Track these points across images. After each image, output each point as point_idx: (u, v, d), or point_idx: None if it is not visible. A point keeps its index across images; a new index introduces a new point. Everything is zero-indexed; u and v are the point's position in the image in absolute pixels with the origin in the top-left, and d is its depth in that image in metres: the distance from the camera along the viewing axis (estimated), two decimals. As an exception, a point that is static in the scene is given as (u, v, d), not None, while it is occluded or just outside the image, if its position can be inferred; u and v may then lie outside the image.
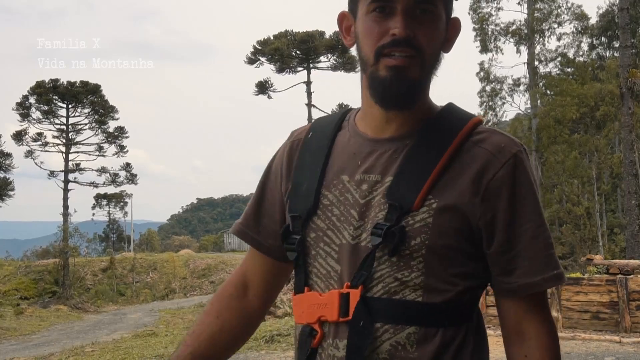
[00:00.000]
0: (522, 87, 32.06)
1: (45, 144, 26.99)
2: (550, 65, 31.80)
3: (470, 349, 1.08)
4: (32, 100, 26.94)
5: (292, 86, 27.92)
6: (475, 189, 1.05)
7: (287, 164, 1.23)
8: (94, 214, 44.48)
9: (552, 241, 1.09)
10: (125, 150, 28.83)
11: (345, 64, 26.33)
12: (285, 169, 1.23)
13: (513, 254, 1.06)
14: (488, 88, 32.10)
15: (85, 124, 28.01)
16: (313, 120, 1.31)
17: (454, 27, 1.15)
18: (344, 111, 1.26)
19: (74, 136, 27.80)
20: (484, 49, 31.05)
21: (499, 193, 1.05)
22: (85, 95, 27.46)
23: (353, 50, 1.18)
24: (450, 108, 1.16)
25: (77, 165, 27.60)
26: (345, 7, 1.19)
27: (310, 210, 1.14)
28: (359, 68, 1.18)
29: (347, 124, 1.21)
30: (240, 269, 1.32)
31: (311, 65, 27.74)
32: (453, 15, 1.15)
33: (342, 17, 1.19)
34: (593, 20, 33.88)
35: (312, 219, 1.14)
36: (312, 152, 1.20)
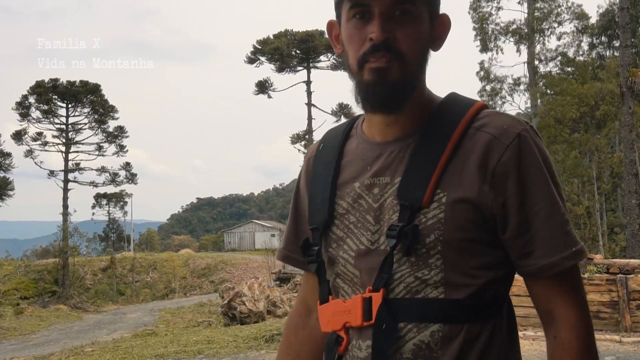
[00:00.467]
0: (522, 87, 32.11)
1: (45, 143, 27.03)
2: (551, 64, 31.83)
3: (498, 344, 1.06)
4: (31, 99, 26.98)
5: (292, 85, 27.99)
6: (482, 176, 1.03)
7: (307, 181, 1.26)
8: (93, 214, 44.60)
9: (569, 218, 1.06)
10: (125, 149, 28.89)
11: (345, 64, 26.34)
12: (305, 187, 1.27)
13: (529, 236, 1.04)
14: (488, 87, 32.14)
15: (85, 124, 28.06)
16: (325, 132, 1.32)
17: (443, 24, 1.14)
18: (352, 119, 1.27)
19: (74, 136, 27.83)
20: (484, 48, 31.05)
21: (507, 177, 1.03)
22: (85, 95, 27.48)
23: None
24: (452, 97, 1.14)
25: (77, 164, 27.64)
26: None
27: (327, 220, 1.15)
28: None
29: (355, 131, 1.22)
30: (300, 295, 1.36)
31: (311, 64, 27.78)
32: (444, 12, 1.14)
33: (330, 26, 1.19)
34: (593, 19, 33.96)
35: (331, 228, 1.15)
36: (323, 164, 1.22)
